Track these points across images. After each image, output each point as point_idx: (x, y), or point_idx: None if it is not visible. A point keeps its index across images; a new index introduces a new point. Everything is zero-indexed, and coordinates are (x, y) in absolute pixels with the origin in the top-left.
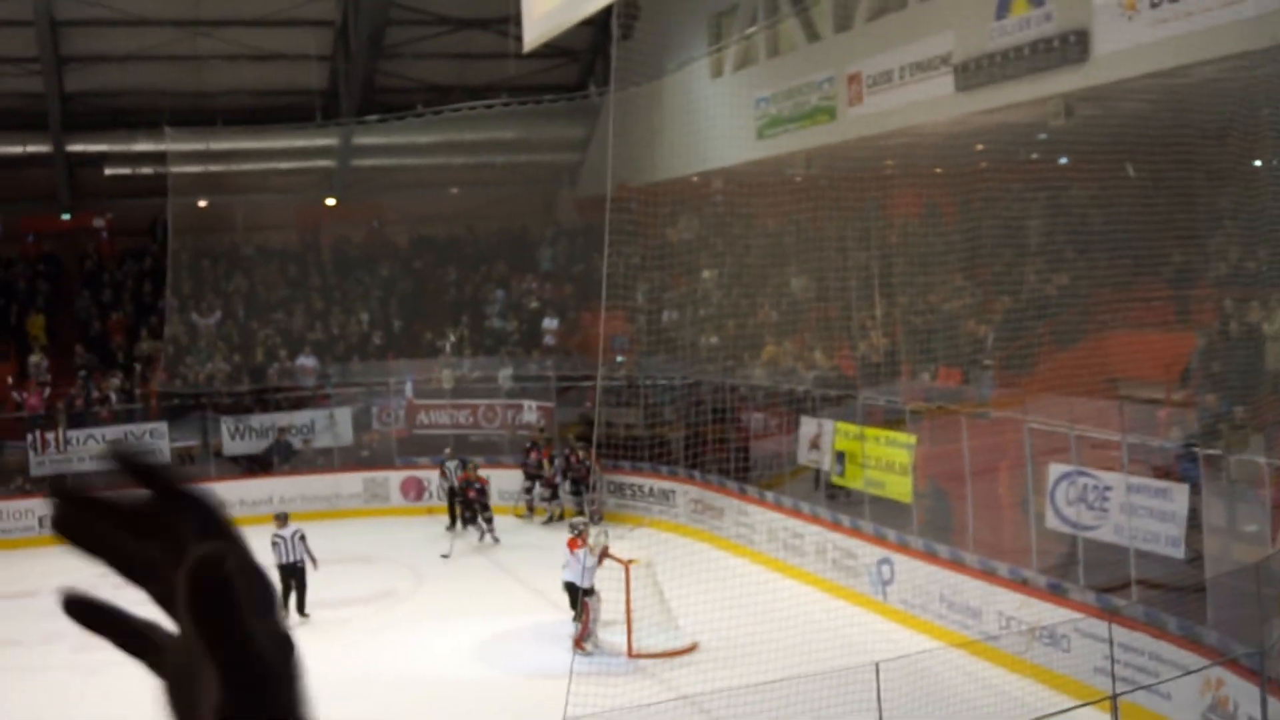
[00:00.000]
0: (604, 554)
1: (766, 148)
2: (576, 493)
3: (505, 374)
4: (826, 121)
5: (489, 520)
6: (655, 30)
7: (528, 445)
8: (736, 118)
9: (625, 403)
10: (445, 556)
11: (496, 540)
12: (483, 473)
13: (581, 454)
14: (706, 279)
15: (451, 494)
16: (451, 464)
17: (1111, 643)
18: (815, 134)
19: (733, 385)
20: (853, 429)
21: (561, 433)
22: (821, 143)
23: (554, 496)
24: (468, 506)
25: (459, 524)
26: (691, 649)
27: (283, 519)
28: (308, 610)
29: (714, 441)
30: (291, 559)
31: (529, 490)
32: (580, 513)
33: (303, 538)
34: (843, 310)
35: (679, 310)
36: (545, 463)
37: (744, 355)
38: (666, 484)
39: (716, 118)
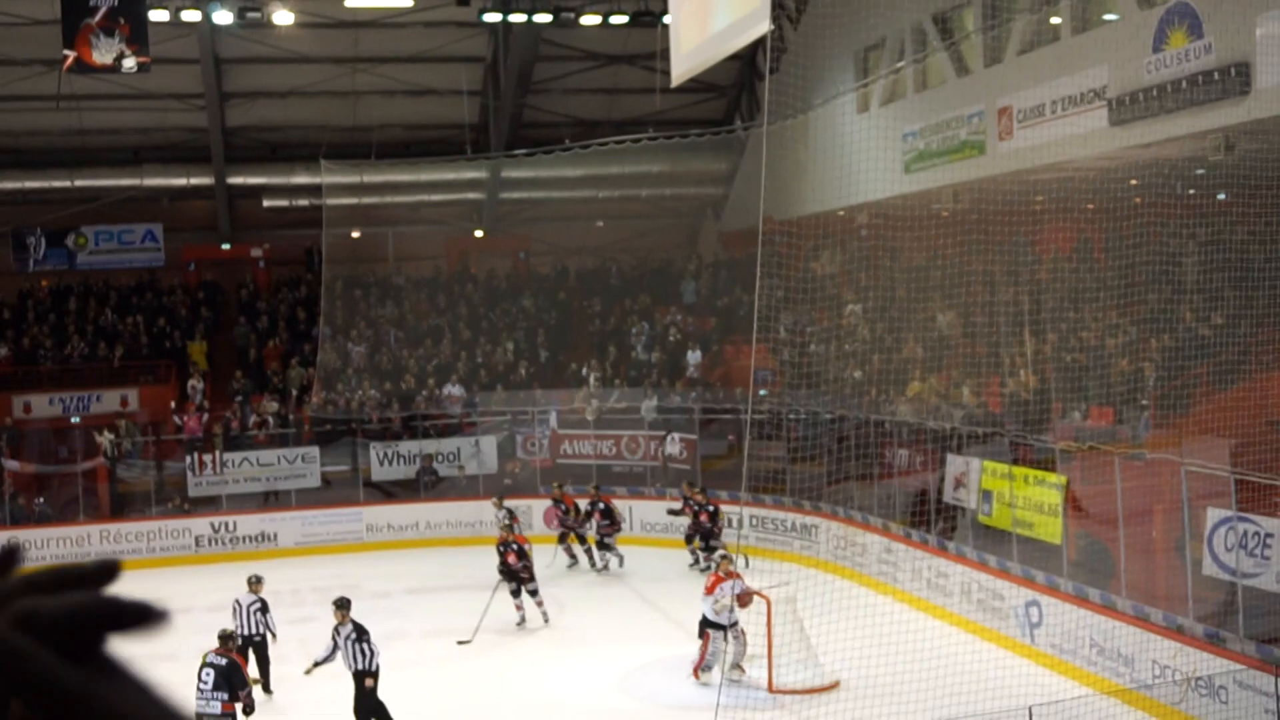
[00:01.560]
0: (746, 595)
1: (914, 182)
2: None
3: (649, 405)
4: (975, 155)
5: (533, 592)
6: (802, 65)
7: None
8: (883, 152)
9: (768, 436)
10: (463, 643)
11: (545, 618)
12: (588, 505)
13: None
14: (851, 313)
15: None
16: (500, 513)
17: (1279, 696)
18: (964, 168)
19: (878, 421)
20: (1001, 468)
21: (706, 465)
22: (970, 177)
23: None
24: (510, 576)
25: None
26: (834, 687)
27: (253, 582)
28: (271, 688)
29: (858, 477)
30: (248, 630)
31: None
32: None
33: (262, 609)
34: (991, 347)
35: (824, 344)
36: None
37: (889, 390)
38: (809, 519)
39: (863, 152)
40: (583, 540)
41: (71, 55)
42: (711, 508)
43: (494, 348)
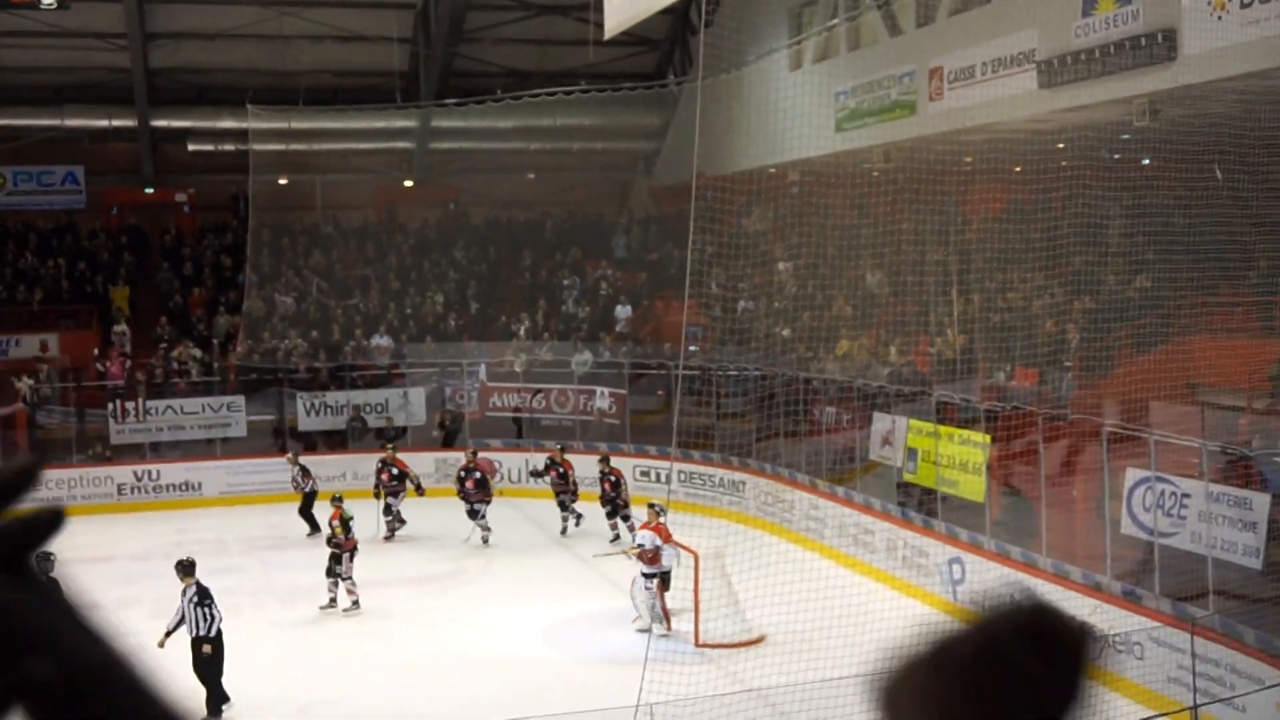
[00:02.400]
0: (644, 552)
1: (845, 141)
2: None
3: (581, 359)
4: (906, 116)
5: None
6: (736, 21)
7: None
8: (815, 110)
9: (697, 392)
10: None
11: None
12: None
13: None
14: (782, 271)
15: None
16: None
17: (1194, 653)
18: (894, 128)
19: (806, 378)
20: (927, 426)
21: (635, 419)
22: (900, 137)
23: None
24: (466, 500)
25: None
26: (759, 641)
27: (183, 568)
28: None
29: (785, 434)
30: (197, 631)
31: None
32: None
33: (196, 602)
34: (919, 306)
35: (753, 301)
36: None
37: (818, 348)
38: (737, 475)
39: (795, 110)
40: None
41: None
42: (614, 477)
43: (423, 299)
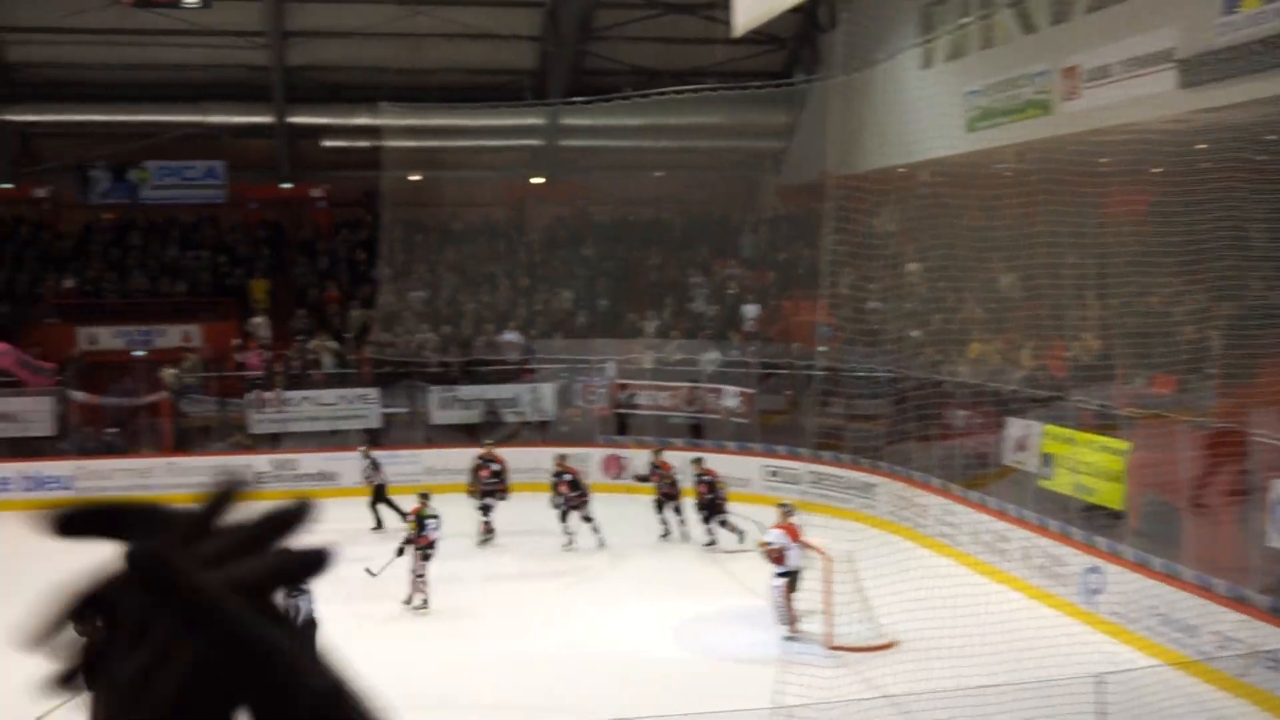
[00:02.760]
0: (773, 551)
1: (976, 140)
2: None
3: (710, 358)
4: (1039, 115)
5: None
6: (865, 19)
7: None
8: (946, 109)
9: (828, 393)
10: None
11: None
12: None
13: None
14: (912, 272)
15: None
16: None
17: None
18: (1027, 128)
19: (937, 380)
20: (1063, 432)
21: (764, 419)
22: (1034, 137)
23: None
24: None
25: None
26: (891, 646)
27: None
28: None
29: (918, 437)
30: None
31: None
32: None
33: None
34: (1053, 310)
35: (883, 302)
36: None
37: (949, 351)
38: (868, 477)
39: (925, 109)
40: (678, 510)
41: None
42: (709, 478)
43: (552, 295)
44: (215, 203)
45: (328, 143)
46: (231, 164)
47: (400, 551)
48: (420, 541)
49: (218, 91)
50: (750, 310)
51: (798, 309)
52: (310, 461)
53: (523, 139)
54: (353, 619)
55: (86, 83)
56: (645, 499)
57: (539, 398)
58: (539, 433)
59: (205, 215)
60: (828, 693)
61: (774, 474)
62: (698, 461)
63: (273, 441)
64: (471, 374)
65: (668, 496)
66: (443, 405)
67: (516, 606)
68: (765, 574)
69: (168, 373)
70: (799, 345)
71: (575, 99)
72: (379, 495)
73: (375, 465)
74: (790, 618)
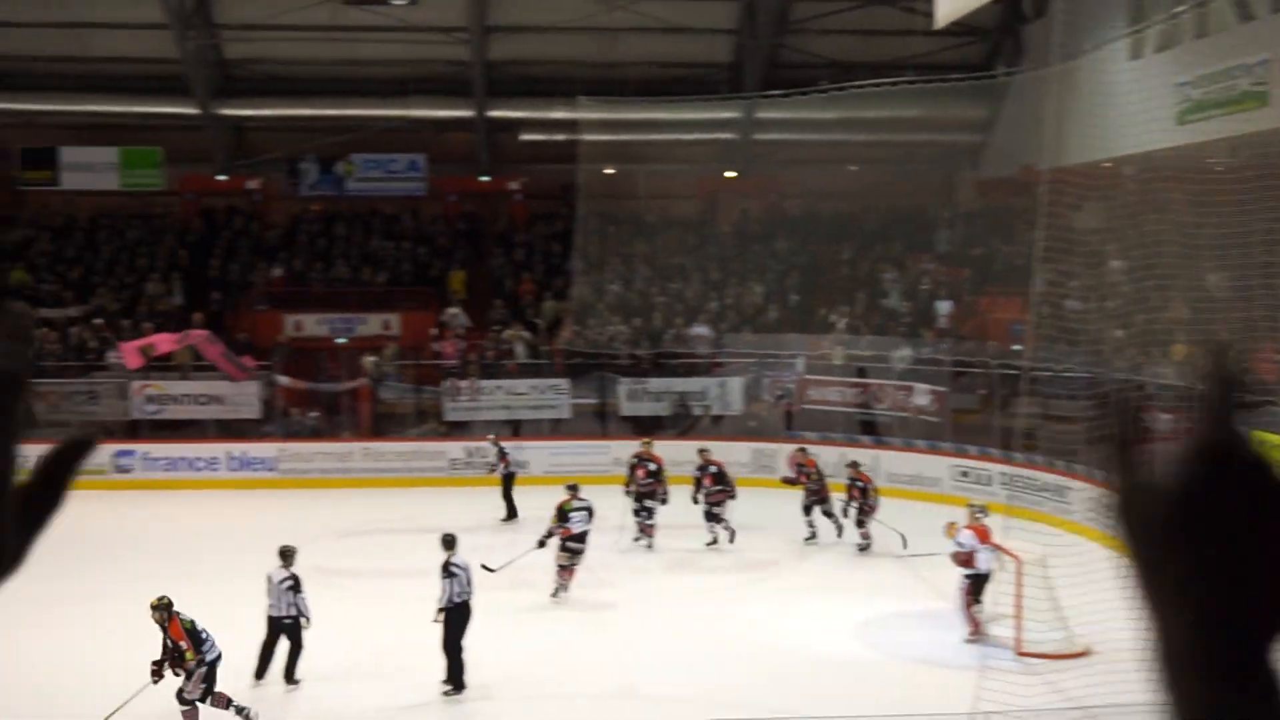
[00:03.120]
0: (959, 554)
1: (1187, 134)
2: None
3: (901, 355)
4: (1256, 108)
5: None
6: (1072, 9)
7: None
8: (1155, 101)
9: (1023, 392)
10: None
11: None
12: (863, 456)
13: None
14: (1115, 269)
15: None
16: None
17: None
18: (1242, 120)
19: (1140, 382)
20: (1273, 438)
21: (955, 418)
22: (1250, 130)
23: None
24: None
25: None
26: (1084, 654)
27: (285, 555)
28: (298, 677)
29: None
30: (280, 612)
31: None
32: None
33: (293, 587)
34: (1268, 311)
35: (1083, 301)
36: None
37: (1152, 351)
38: (1062, 480)
39: (1133, 101)
40: (828, 512)
41: None
42: (862, 483)
43: (743, 289)
44: (416, 195)
45: (525, 136)
46: (432, 157)
47: (541, 544)
48: (563, 533)
49: (421, 86)
50: (944, 307)
51: (993, 306)
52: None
53: (716, 133)
54: (527, 608)
55: (298, 78)
56: (833, 495)
57: (727, 392)
58: (724, 426)
59: (406, 207)
60: (1017, 699)
61: (964, 474)
62: (853, 465)
63: (466, 429)
64: (661, 367)
65: (816, 497)
66: (632, 397)
67: (694, 600)
68: (953, 576)
69: (368, 360)
70: (994, 343)
71: (771, 93)
72: (507, 485)
73: (502, 454)
74: (973, 621)
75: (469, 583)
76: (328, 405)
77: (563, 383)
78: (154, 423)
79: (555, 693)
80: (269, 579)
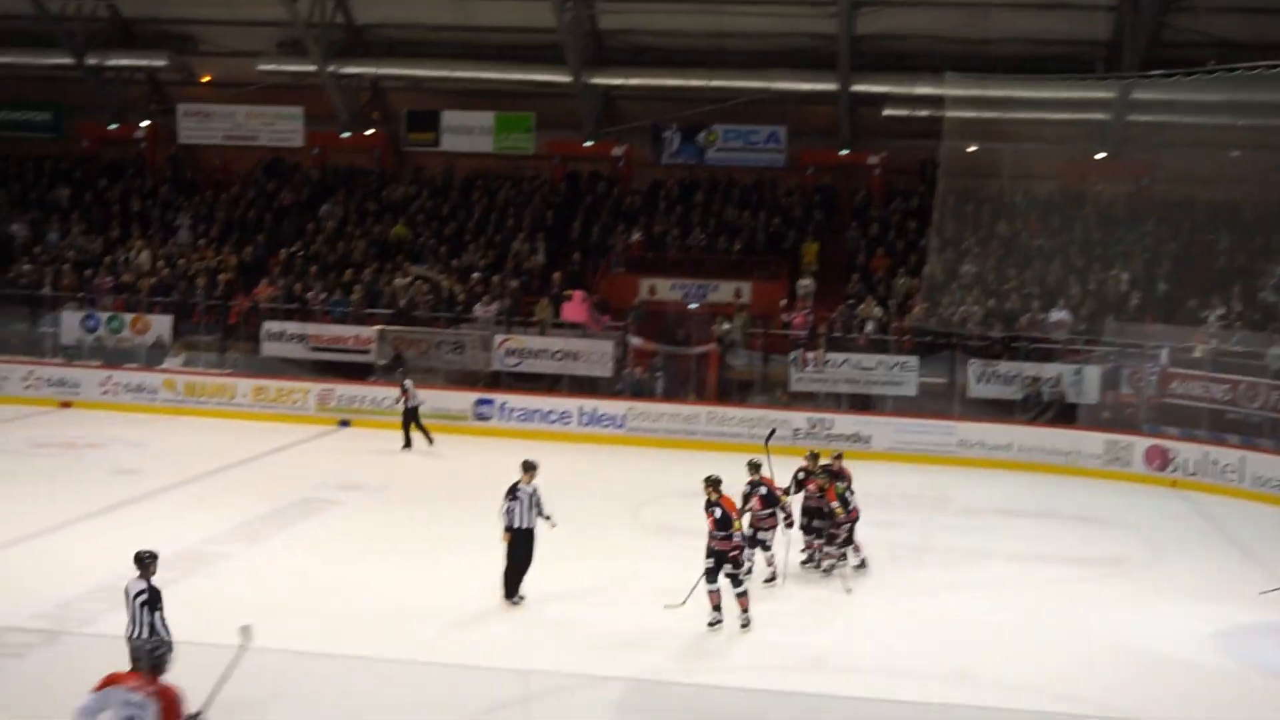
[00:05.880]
0: None
1: None
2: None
3: (1277, 353)
4: None
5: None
6: None
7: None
8: None
9: None
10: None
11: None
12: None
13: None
14: None
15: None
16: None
17: None
18: None
19: None
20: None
21: None
22: None
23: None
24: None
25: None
26: None
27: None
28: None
29: None
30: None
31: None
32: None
33: (149, 603)
34: None
35: None
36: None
37: None
38: None
39: None
40: None
41: None
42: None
43: (1106, 275)
44: (775, 166)
45: (888, 111)
46: (792, 129)
47: (789, 523)
48: (851, 515)
49: (785, 59)
50: None
51: None
52: (844, 423)
53: (1088, 113)
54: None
55: (666, 49)
56: (1189, 494)
57: (1083, 379)
58: (1077, 416)
59: (764, 178)
60: None
61: None
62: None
63: (810, 400)
64: (1014, 350)
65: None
66: (981, 379)
67: (1031, 590)
68: None
69: (720, 326)
70: None
71: (1151, 73)
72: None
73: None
74: None
75: (531, 509)
76: (676, 368)
77: (911, 360)
78: (512, 375)
79: (876, 667)
80: (125, 592)
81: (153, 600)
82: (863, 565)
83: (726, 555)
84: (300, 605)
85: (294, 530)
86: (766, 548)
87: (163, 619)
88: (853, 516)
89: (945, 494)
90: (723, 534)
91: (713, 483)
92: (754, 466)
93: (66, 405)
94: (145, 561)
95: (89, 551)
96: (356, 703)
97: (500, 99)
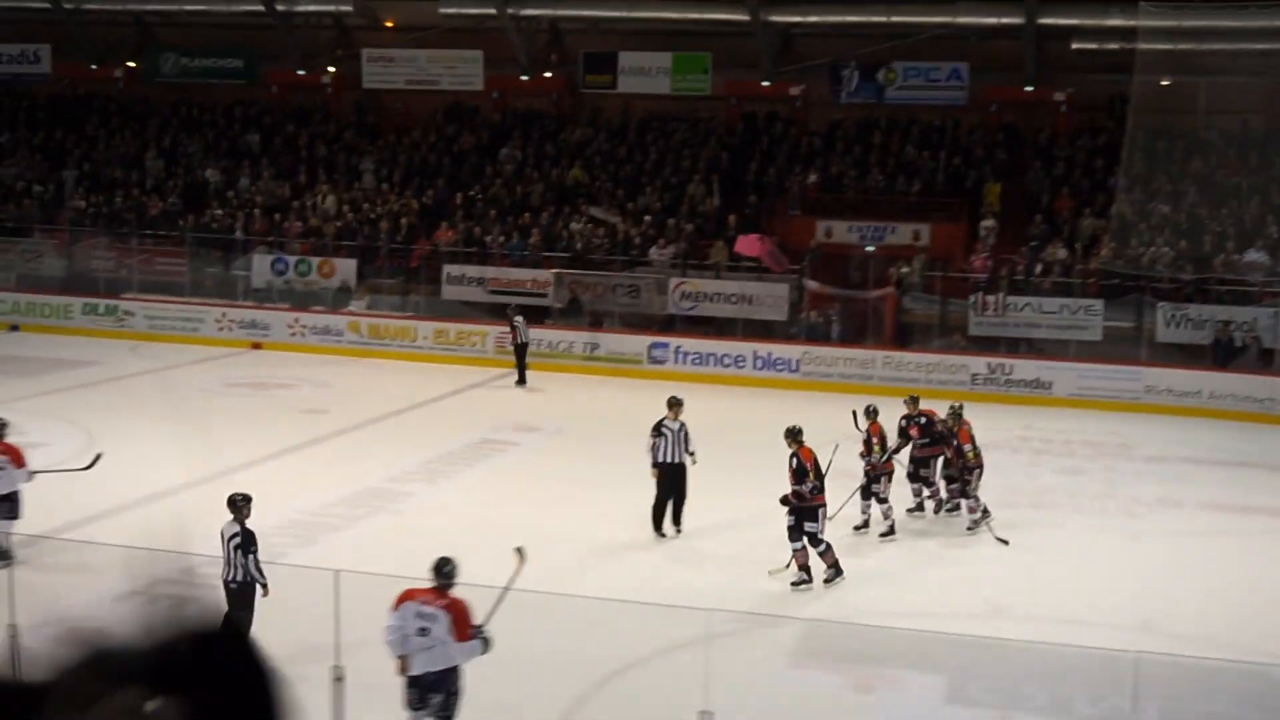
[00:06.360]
0: None
1: None
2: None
3: None
4: None
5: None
6: None
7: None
8: None
9: None
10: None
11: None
12: None
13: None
14: None
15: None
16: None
17: None
18: None
19: None
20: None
21: None
22: None
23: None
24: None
25: None
26: None
27: (239, 504)
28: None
29: None
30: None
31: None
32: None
33: (243, 546)
34: None
35: None
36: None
37: None
38: None
39: None
40: None
41: None
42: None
43: None
44: (956, 104)
45: (1076, 45)
46: (975, 66)
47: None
48: (884, 467)
49: None
50: None
51: None
52: (1024, 368)
53: None
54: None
55: None
56: None
57: (1277, 323)
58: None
59: (946, 117)
60: None
61: None
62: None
63: (990, 345)
64: (1206, 293)
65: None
66: (1170, 323)
67: (1218, 543)
68: None
69: (897, 269)
70: None
71: None
72: None
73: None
74: None
75: (678, 445)
76: (853, 312)
77: (1096, 304)
78: (687, 318)
79: (1059, 617)
80: (221, 534)
81: (245, 543)
82: (980, 520)
83: (805, 512)
84: (481, 543)
85: (473, 470)
86: (882, 499)
87: (256, 561)
88: (978, 462)
89: (1130, 441)
90: (799, 487)
91: (793, 433)
92: (913, 401)
93: (257, 346)
94: (239, 504)
95: (280, 485)
96: (553, 634)
97: (677, 39)
